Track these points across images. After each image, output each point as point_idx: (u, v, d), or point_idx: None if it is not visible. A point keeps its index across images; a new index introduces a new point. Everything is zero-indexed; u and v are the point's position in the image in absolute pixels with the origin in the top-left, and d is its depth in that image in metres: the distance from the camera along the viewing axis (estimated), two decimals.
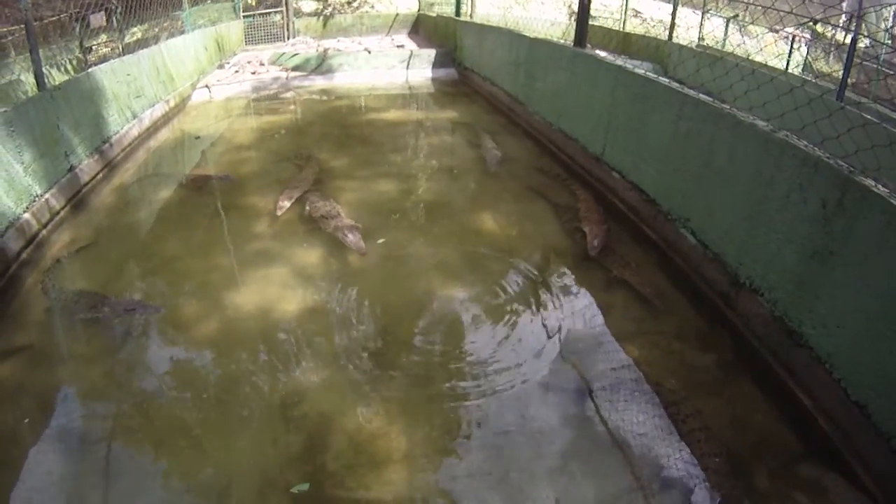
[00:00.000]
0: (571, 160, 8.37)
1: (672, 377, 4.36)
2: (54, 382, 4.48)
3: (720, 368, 4.42)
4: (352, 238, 6.15)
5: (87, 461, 3.76)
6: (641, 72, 6.75)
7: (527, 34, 10.82)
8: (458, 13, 16.81)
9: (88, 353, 4.77)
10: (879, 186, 3.69)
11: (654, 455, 3.71)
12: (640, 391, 4.25)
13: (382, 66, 15.89)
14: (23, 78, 11.18)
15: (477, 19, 15.96)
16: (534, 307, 5.20)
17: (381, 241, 6.35)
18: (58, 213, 7.05)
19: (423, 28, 20.83)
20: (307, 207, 6.94)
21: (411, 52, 16.24)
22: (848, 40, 12.78)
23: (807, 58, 14.20)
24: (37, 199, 6.68)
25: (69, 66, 13.04)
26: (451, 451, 3.77)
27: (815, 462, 3.71)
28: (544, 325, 4.96)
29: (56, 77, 11.10)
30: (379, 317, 5.09)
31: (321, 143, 10.05)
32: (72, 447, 3.87)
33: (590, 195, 7.15)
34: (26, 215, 6.36)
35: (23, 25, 8.12)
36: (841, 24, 16.28)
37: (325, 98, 13.91)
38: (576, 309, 5.22)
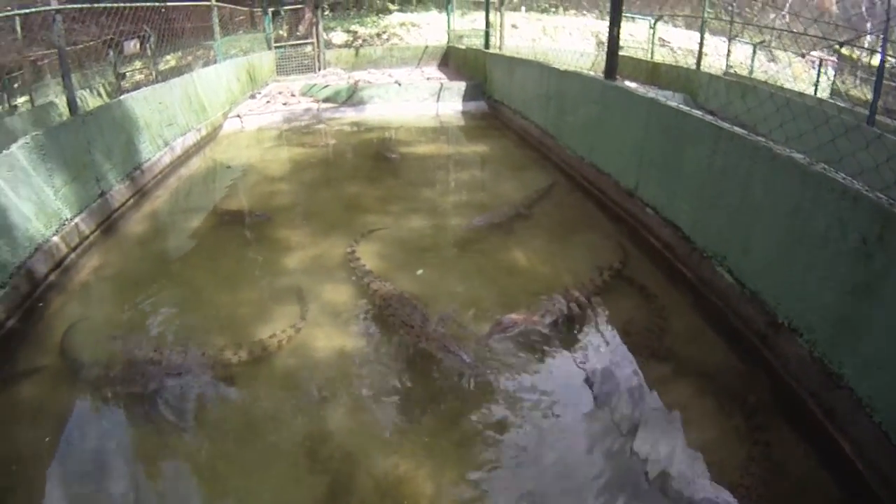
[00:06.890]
0: (603, 195, 8.28)
1: (707, 420, 4.27)
2: (71, 405, 4.54)
3: (757, 411, 4.28)
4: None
5: (106, 487, 3.79)
6: (674, 104, 6.65)
7: (556, 66, 10.84)
8: (487, 45, 17.02)
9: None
10: None
11: (689, 499, 3.61)
12: (674, 433, 4.15)
13: (413, 99, 16.09)
14: (56, 101, 11.49)
15: (506, 52, 16.14)
16: (565, 345, 5.12)
17: (419, 272, 6.42)
18: (87, 237, 7.20)
19: (452, 60, 21.11)
20: (374, 288, 5.89)
21: (441, 84, 16.43)
22: (875, 62, 12.60)
23: (834, 81, 14.10)
24: (66, 223, 6.83)
25: (103, 92, 13.37)
26: (478, 489, 3.72)
27: None
28: (576, 365, 4.88)
29: (90, 102, 11.40)
30: (409, 355, 4.99)
31: (353, 176, 10.17)
32: (90, 471, 3.91)
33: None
34: (55, 238, 6.50)
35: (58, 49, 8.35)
36: (866, 46, 16.16)
37: (355, 130, 14.13)
38: (609, 348, 5.12)
